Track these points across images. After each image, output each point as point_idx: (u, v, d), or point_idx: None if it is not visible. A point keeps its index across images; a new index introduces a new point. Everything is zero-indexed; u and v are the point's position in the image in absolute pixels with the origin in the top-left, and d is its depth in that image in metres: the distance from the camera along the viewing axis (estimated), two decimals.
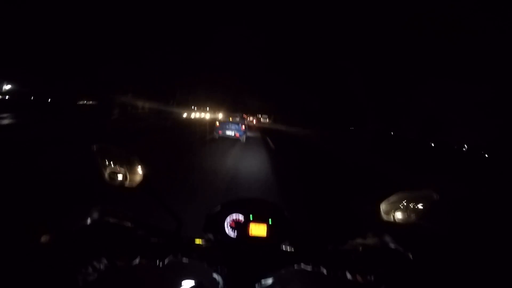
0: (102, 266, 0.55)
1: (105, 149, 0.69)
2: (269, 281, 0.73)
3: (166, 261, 0.67)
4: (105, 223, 0.63)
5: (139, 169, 0.69)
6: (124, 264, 0.60)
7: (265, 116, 48.01)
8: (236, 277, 0.70)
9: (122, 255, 0.60)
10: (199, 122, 22.64)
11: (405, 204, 0.74)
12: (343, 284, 0.70)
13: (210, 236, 0.76)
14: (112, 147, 0.69)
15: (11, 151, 5.26)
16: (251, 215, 0.77)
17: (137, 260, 0.63)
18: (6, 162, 4.35)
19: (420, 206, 0.72)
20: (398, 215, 0.74)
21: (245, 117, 23.13)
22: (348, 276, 0.65)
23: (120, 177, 0.69)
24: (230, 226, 0.77)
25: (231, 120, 13.00)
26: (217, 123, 13.24)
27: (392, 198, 0.76)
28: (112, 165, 0.69)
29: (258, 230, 0.76)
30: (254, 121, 37.28)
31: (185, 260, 0.70)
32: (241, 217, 0.78)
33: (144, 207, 1.21)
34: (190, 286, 0.74)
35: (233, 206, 0.81)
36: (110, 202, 0.68)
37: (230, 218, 0.78)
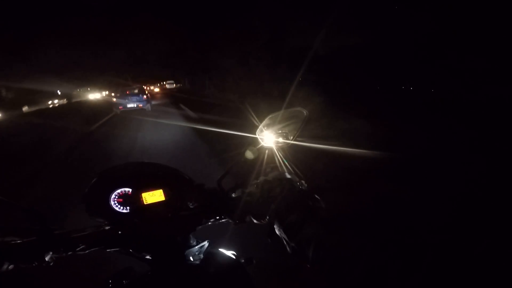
0: None
1: None
2: (203, 243, 0.70)
3: (48, 260, 0.58)
4: None
5: None
6: None
7: (171, 82, 45.11)
8: (157, 252, 0.65)
9: None
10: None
11: (280, 126, 0.75)
12: (255, 229, 0.66)
13: (100, 220, 0.68)
14: None
15: None
16: (139, 184, 0.69)
17: (8, 267, 0.54)
18: None
19: (293, 124, 0.73)
20: (279, 140, 0.75)
21: (146, 87, 22.84)
22: (254, 220, 0.64)
23: None
24: (117, 202, 0.69)
25: (128, 93, 12.52)
26: (114, 99, 12.89)
27: (267, 122, 0.76)
28: None
29: (153, 197, 0.68)
30: (157, 89, 37.17)
31: (82, 252, 0.62)
32: (127, 190, 0.70)
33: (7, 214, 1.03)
34: (118, 274, 0.64)
35: (114, 179, 0.72)
36: None
37: (115, 193, 0.69)
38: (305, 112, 0.71)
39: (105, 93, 31.35)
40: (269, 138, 0.75)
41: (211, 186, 0.74)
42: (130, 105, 12.02)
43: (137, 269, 0.66)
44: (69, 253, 0.62)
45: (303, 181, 0.62)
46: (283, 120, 0.74)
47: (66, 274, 1.56)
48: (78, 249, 0.62)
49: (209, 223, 0.73)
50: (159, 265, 0.66)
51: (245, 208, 0.65)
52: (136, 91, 12.74)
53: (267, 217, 0.57)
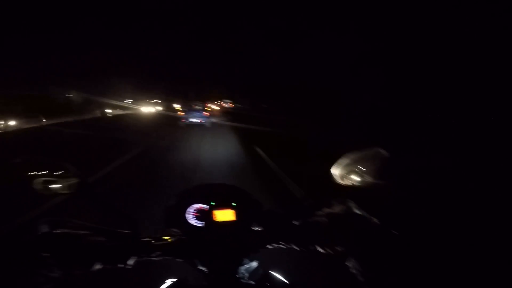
0: (57, 275, 0.53)
1: (29, 161, 0.65)
2: (253, 264, 0.73)
3: (131, 264, 0.64)
4: (53, 234, 0.59)
5: (73, 175, 0.66)
6: (81, 272, 0.58)
7: (228, 101, 47.78)
8: (215, 267, 0.68)
9: (76, 263, 0.58)
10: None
11: (356, 165, 0.74)
12: (316, 258, 0.69)
13: (176, 230, 0.73)
14: (37, 157, 0.65)
15: None
16: (214, 202, 0.75)
17: (97, 266, 0.60)
18: None
19: (371, 165, 0.73)
20: (354, 178, 0.75)
21: (207, 104, 24.29)
22: (319, 249, 0.65)
23: (53, 185, 0.65)
24: (194, 216, 0.75)
25: (193, 108, 14.28)
26: (180, 113, 14.63)
27: (342, 161, 0.76)
28: (42, 175, 0.64)
29: (224, 215, 0.73)
30: (217, 107, 39.08)
31: (155, 259, 0.68)
32: (204, 206, 0.76)
33: (94, 213, 1.15)
34: (172, 283, 0.70)
35: (193, 196, 0.78)
36: (56, 213, 0.63)
37: (191, 208, 0.76)
38: (385, 153, 0.70)
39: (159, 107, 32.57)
40: (342, 175, 0.76)
41: (277, 210, 0.77)
42: (192, 120, 13.37)
43: (190, 279, 0.70)
44: (147, 258, 0.67)
45: (374, 219, 0.63)
46: (361, 159, 0.74)
47: (118, 280, 1.67)
48: (155, 256, 0.68)
49: (271, 247, 0.74)
50: (214, 280, 0.68)
51: (312, 237, 0.67)
52: (199, 107, 14.39)
53: (338, 248, 0.60)
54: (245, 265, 0.71)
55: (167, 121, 16.07)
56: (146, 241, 0.68)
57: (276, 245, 0.72)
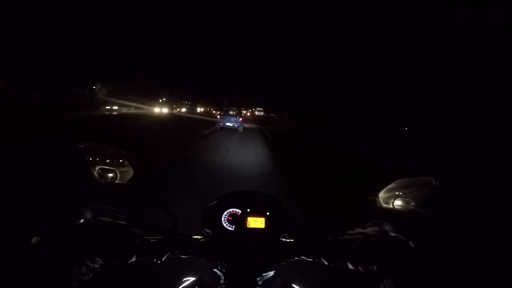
0: (97, 266, 0.54)
1: (92, 148, 0.68)
2: (270, 273, 0.72)
3: (163, 259, 0.66)
4: (99, 223, 0.62)
5: (129, 166, 0.68)
6: (120, 264, 0.59)
7: (260, 109, 47.84)
8: (236, 271, 0.69)
9: (118, 254, 0.59)
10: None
11: (404, 191, 0.73)
12: (345, 275, 0.69)
13: (208, 231, 0.76)
14: (99, 145, 0.68)
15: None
16: (248, 209, 0.76)
17: (133, 259, 0.62)
18: None
19: (419, 192, 0.71)
20: (397, 203, 0.73)
21: (243, 110, 25.98)
22: (350, 266, 0.65)
23: (110, 174, 0.68)
24: (227, 220, 0.77)
25: (230, 113, 15.11)
26: (218, 116, 15.61)
27: (391, 186, 0.75)
28: (101, 163, 0.67)
29: (256, 223, 0.74)
30: (248, 114, 42.40)
31: (183, 256, 0.70)
32: (238, 211, 0.78)
33: (137, 205, 1.20)
34: (191, 282, 0.72)
35: (230, 200, 0.80)
36: (103, 202, 0.67)
37: (227, 212, 0.78)
38: (434, 182, 0.67)
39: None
40: (387, 198, 0.75)
41: (312, 224, 0.76)
42: (228, 124, 14.70)
43: (208, 280, 0.71)
44: (180, 255, 0.69)
45: (410, 242, 0.62)
46: (409, 186, 0.72)
47: (142, 273, 1.72)
48: (187, 254, 0.70)
49: (298, 259, 0.73)
50: (232, 284, 0.68)
51: (344, 254, 0.66)
52: (234, 113, 15.03)
53: (371, 267, 0.60)
54: (264, 274, 0.71)
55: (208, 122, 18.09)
56: (181, 238, 0.71)
57: (304, 258, 0.72)
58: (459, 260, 2.40)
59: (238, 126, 14.68)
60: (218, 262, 0.71)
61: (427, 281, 0.50)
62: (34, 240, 0.52)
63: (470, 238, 3.12)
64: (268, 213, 0.76)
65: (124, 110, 21.81)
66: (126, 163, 0.68)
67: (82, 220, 0.61)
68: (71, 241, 0.55)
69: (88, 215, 0.63)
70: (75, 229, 0.59)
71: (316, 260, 0.71)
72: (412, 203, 0.72)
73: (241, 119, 14.91)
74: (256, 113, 46.69)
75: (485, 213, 4.30)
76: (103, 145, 0.68)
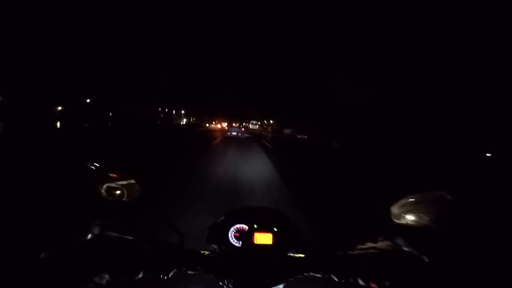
0: (103, 282, 0.53)
1: (100, 166, 0.69)
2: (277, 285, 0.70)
3: (170, 275, 0.65)
4: (106, 238, 0.62)
5: (136, 183, 0.69)
6: (127, 280, 0.59)
7: (254, 122, 47.99)
8: (244, 287, 0.67)
9: (125, 270, 0.59)
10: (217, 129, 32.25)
11: (417, 206, 0.71)
12: None
13: (215, 247, 0.75)
14: (107, 164, 0.69)
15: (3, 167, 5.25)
16: (255, 224, 0.75)
17: (140, 275, 0.61)
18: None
19: (432, 207, 0.69)
20: (410, 218, 0.72)
21: (243, 124, 31.75)
22: (361, 282, 0.62)
23: (117, 192, 0.68)
24: (234, 236, 0.76)
25: (233, 126, 23.54)
26: (226, 128, 24.14)
27: (404, 201, 0.73)
28: (109, 181, 0.68)
29: (263, 239, 0.74)
30: (249, 126, 46.56)
31: (190, 272, 0.69)
32: (245, 227, 0.77)
33: (144, 221, 1.20)
34: None
35: (237, 216, 0.80)
36: (111, 218, 0.67)
37: (234, 228, 0.77)
38: (448, 197, 0.65)
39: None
40: (399, 213, 0.73)
41: (321, 240, 0.74)
42: (233, 133, 22.43)
43: None
44: (187, 271, 0.68)
45: (424, 257, 0.60)
46: (422, 201, 0.70)
47: None
48: (194, 270, 0.68)
49: (306, 275, 0.71)
50: None
51: (355, 270, 0.64)
52: (236, 126, 23.26)
53: (383, 283, 0.58)
54: None
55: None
56: (188, 254, 0.70)
57: (313, 274, 0.70)
58: (472, 275, 2.30)
59: (240, 134, 22.44)
60: (225, 278, 0.69)
61: None
62: (42, 255, 0.52)
63: (482, 252, 3.01)
64: (275, 229, 0.75)
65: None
66: (133, 181, 0.69)
67: (90, 236, 0.61)
68: (79, 257, 0.55)
69: (96, 230, 0.63)
70: (83, 244, 0.59)
71: (325, 276, 0.69)
72: (426, 219, 0.70)
73: (243, 129, 23.58)
74: (251, 126, 47.67)
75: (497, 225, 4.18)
76: (111, 164, 0.69)
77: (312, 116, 26.03)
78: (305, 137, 27.90)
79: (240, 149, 12.72)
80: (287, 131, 33.60)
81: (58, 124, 14.26)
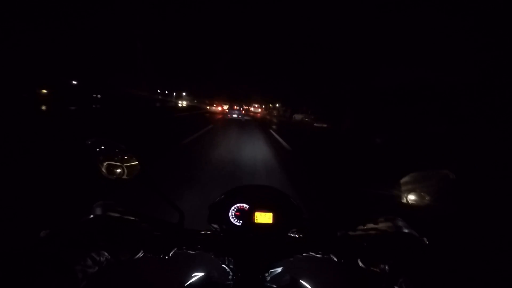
0: (102, 259, 0.54)
1: (100, 144, 0.68)
2: (278, 269, 0.71)
3: (171, 254, 0.66)
4: (107, 217, 0.62)
5: (136, 161, 0.68)
6: (127, 258, 0.59)
7: (256, 105, 48.96)
8: (244, 266, 0.68)
9: (125, 249, 0.59)
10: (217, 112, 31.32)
11: (419, 184, 0.70)
12: (355, 272, 0.67)
13: (215, 226, 0.75)
14: (107, 141, 0.67)
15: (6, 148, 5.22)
16: (255, 203, 0.75)
17: (140, 254, 0.62)
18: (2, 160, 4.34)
19: (434, 186, 0.68)
20: (412, 197, 0.71)
21: (243, 106, 38.07)
22: (360, 264, 0.63)
23: (118, 170, 0.67)
24: (235, 215, 0.76)
25: (234, 108, 25.43)
26: (227, 110, 25.86)
27: (406, 179, 0.72)
28: (109, 159, 0.67)
29: (263, 218, 0.74)
30: (251, 109, 48.65)
31: (191, 252, 0.69)
32: (245, 206, 0.77)
33: (145, 201, 1.21)
34: (200, 278, 0.72)
35: (237, 195, 0.79)
36: (112, 197, 0.67)
37: (234, 207, 0.77)
38: (451, 175, 0.64)
39: None
40: (401, 192, 0.72)
41: (321, 220, 0.74)
42: (234, 115, 23.39)
43: (216, 275, 0.71)
44: (187, 251, 0.69)
45: (425, 238, 0.59)
46: (425, 180, 0.69)
47: (150, 269, 1.74)
48: (195, 249, 0.69)
49: (306, 255, 0.72)
50: (239, 279, 0.67)
51: (355, 251, 0.64)
52: (237, 108, 25.49)
53: (382, 265, 0.57)
54: (272, 269, 0.70)
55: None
56: (188, 234, 0.70)
57: (313, 254, 0.70)
58: (474, 258, 2.35)
59: (240, 117, 23.11)
60: (226, 258, 0.70)
61: (445, 281, 0.48)
62: (42, 233, 0.52)
63: (485, 234, 3.04)
64: (276, 208, 0.75)
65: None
66: (133, 158, 0.68)
67: (91, 215, 0.61)
68: (79, 235, 0.55)
69: (98, 210, 0.63)
70: (83, 223, 0.59)
71: (325, 256, 0.70)
72: (427, 198, 0.69)
73: (243, 111, 25.57)
74: (252, 109, 49.11)
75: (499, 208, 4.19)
76: (111, 141, 0.68)
77: (339, 101, 20.55)
78: (325, 126, 22.24)
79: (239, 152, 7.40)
80: (298, 116, 28.74)
81: (44, 107, 14.05)
